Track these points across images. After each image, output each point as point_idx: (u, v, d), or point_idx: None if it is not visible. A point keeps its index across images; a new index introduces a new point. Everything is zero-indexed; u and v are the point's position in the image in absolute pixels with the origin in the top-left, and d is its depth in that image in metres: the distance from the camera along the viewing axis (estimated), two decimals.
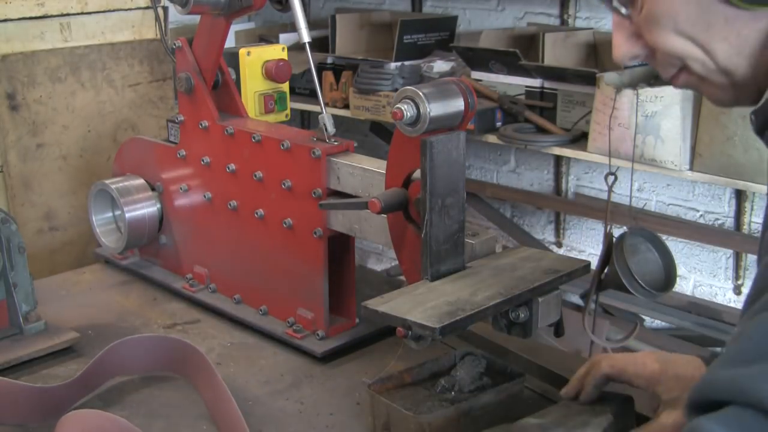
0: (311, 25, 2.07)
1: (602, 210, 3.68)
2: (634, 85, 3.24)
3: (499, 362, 1.68)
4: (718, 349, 1.47)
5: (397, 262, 1.77)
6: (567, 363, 1.91)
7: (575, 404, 1.54)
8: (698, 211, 3.75)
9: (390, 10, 4.66)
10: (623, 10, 1.19)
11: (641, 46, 1.20)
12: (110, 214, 2.38)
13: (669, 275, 2.45)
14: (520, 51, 3.57)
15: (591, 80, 3.34)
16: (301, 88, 4.26)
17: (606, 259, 1.89)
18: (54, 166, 3.05)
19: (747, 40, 1.11)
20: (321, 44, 4.36)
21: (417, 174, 1.64)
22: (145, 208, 2.28)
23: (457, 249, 1.63)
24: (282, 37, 4.22)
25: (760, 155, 2.93)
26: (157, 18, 3.24)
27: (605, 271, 1.89)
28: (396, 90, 3.68)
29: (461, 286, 1.56)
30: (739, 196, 3.58)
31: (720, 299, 3.74)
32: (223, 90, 2.19)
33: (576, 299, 3.99)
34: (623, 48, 1.22)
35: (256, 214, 2.03)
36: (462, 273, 1.62)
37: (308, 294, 1.97)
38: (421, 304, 1.48)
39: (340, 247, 1.96)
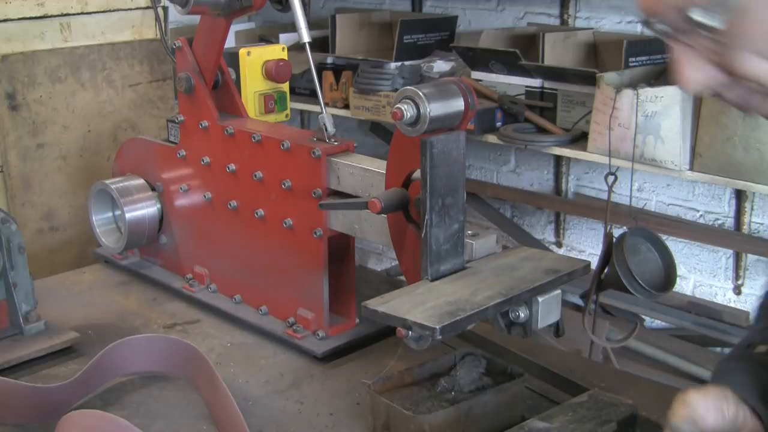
0: (311, 25, 2.07)
1: (602, 210, 3.68)
2: (634, 85, 3.24)
3: (499, 362, 1.68)
4: None
5: (397, 262, 1.77)
6: (567, 363, 1.91)
7: (581, 409, 1.54)
8: (698, 211, 3.75)
9: (390, 10, 4.66)
10: (706, 30, 1.02)
11: (720, 72, 1.05)
12: (110, 214, 2.38)
13: (669, 275, 2.45)
14: (520, 51, 3.57)
15: (591, 80, 3.34)
16: (301, 88, 4.26)
17: (606, 259, 1.89)
18: (54, 166, 3.05)
19: None
20: (321, 44, 4.36)
21: (417, 174, 1.64)
22: (145, 208, 2.28)
23: (457, 249, 1.63)
24: (282, 37, 4.22)
25: (760, 155, 2.93)
26: (157, 18, 3.24)
27: (605, 271, 1.90)
28: (396, 90, 3.68)
29: (461, 286, 1.56)
30: (739, 196, 3.58)
31: (720, 299, 3.74)
32: (223, 90, 2.19)
33: (576, 299, 3.99)
34: (697, 76, 1.06)
35: (256, 214, 2.03)
36: (462, 273, 1.62)
37: (308, 294, 1.97)
38: (421, 304, 1.47)
39: (340, 247, 1.96)
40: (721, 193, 3.67)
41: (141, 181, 2.31)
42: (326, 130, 1.91)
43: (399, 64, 3.96)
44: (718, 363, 1.47)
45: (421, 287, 1.57)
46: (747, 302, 3.67)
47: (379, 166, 1.80)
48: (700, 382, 3.53)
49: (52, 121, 3.03)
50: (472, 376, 1.63)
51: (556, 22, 4.09)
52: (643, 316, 3.82)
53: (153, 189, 2.30)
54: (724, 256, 3.72)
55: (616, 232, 2.57)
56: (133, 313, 2.19)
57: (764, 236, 3.56)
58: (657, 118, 3.12)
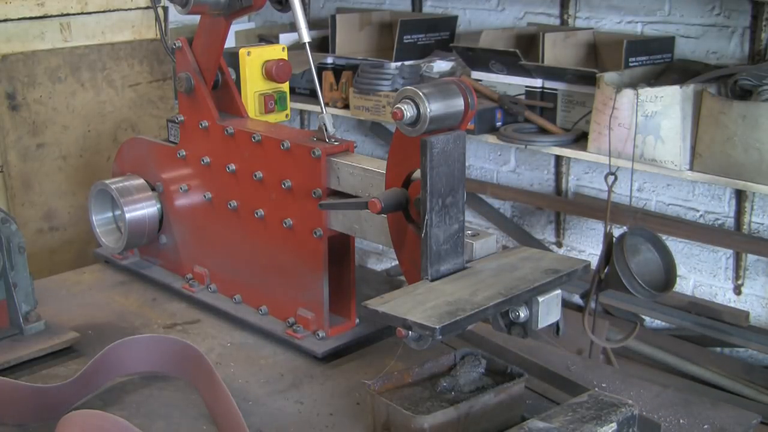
0: (311, 25, 2.07)
1: (602, 210, 3.67)
2: (634, 85, 3.24)
3: (499, 362, 1.68)
4: None
5: (397, 262, 1.77)
6: (567, 363, 1.91)
7: (581, 409, 1.54)
8: (698, 211, 3.75)
9: (390, 10, 4.65)
10: None
11: None
12: (110, 214, 2.38)
13: (669, 275, 2.45)
14: (520, 51, 3.57)
15: (591, 80, 3.33)
16: (301, 88, 4.26)
17: (606, 259, 1.89)
18: (54, 166, 3.05)
19: None
20: (321, 44, 4.36)
21: (417, 174, 1.64)
22: (145, 208, 2.28)
23: (457, 249, 1.63)
24: (282, 37, 4.22)
25: (760, 155, 2.93)
26: (157, 18, 3.24)
27: (605, 271, 1.90)
28: (396, 90, 3.69)
29: (461, 286, 1.56)
30: (739, 196, 3.58)
31: (720, 299, 3.74)
32: (223, 90, 2.19)
33: (576, 299, 3.99)
34: None
35: (256, 214, 2.03)
36: (462, 273, 1.62)
37: (308, 294, 1.97)
38: (421, 304, 1.48)
39: (340, 247, 1.96)
40: (721, 193, 3.66)
41: (141, 181, 2.31)
42: (326, 130, 1.91)
43: (399, 64, 3.96)
44: None
45: (421, 287, 1.57)
46: (747, 302, 3.67)
47: (379, 166, 1.80)
48: (700, 382, 3.53)
49: (52, 121, 3.03)
50: (472, 376, 1.63)
51: (556, 22, 4.09)
52: (643, 316, 3.82)
53: (153, 189, 2.30)
54: (724, 256, 3.72)
55: (616, 232, 2.57)
56: (133, 313, 2.19)
57: (764, 236, 3.56)
58: (657, 118, 3.11)
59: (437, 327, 1.39)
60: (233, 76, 2.21)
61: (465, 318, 1.43)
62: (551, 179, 4.24)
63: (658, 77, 3.43)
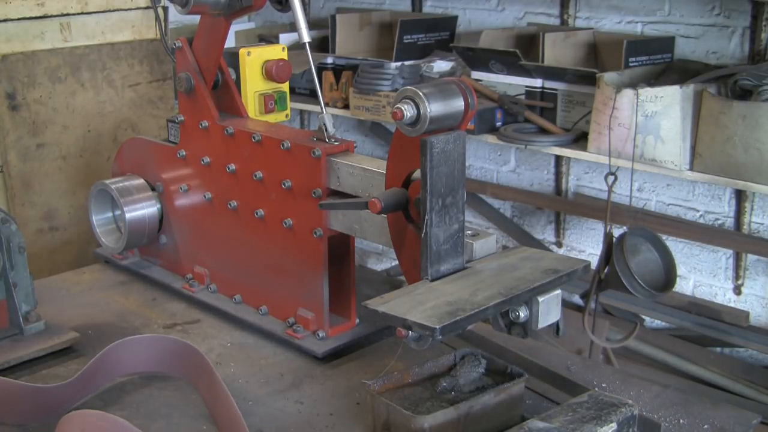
0: (311, 25, 2.07)
1: (602, 210, 3.68)
2: (634, 85, 3.24)
3: (499, 362, 1.68)
4: None
5: (397, 262, 1.77)
6: (567, 363, 1.91)
7: (581, 409, 1.54)
8: (698, 211, 3.75)
9: (390, 10, 4.66)
10: None
11: None
12: (110, 214, 2.38)
13: (669, 275, 2.45)
14: (520, 51, 3.57)
15: (591, 80, 3.34)
16: (301, 88, 4.26)
17: (606, 259, 1.89)
18: (54, 166, 3.05)
19: None
20: (321, 44, 4.36)
21: (417, 174, 1.64)
22: (145, 208, 2.28)
23: (457, 249, 1.63)
24: (282, 37, 4.22)
25: (760, 155, 2.93)
26: (157, 18, 3.24)
27: (605, 271, 1.90)
28: (396, 90, 3.68)
29: (461, 286, 1.56)
30: (739, 196, 3.58)
31: (720, 299, 3.74)
32: (223, 90, 2.19)
33: (576, 299, 3.99)
34: None
35: (256, 214, 2.03)
36: (462, 273, 1.62)
37: (308, 294, 1.97)
38: (421, 304, 1.48)
39: (340, 247, 1.96)
40: (721, 193, 3.66)
41: (141, 181, 2.31)
42: (326, 130, 1.91)
43: (399, 64, 3.96)
44: None
45: (421, 287, 1.57)
46: (747, 302, 3.67)
47: (379, 166, 1.80)
48: (700, 382, 3.53)
49: (52, 121, 3.03)
50: (472, 376, 1.63)
51: (556, 22, 4.09)
52: (643, 316, 3.82)
53: (153, 189, 2.30)
54: (724, 256, 3.72)
55: (616, 232, 2.57)
56: (133, 313, 2.19)
57: (764, 236, 3.56)
58: (657, 118, 3.11)
59: (437, 327, 1.39)
60: (233, 76, 2.21)
61: (465, 318, 1.44)
62: (551, 179, 4.24)
63: (658, 77, 3.43)
